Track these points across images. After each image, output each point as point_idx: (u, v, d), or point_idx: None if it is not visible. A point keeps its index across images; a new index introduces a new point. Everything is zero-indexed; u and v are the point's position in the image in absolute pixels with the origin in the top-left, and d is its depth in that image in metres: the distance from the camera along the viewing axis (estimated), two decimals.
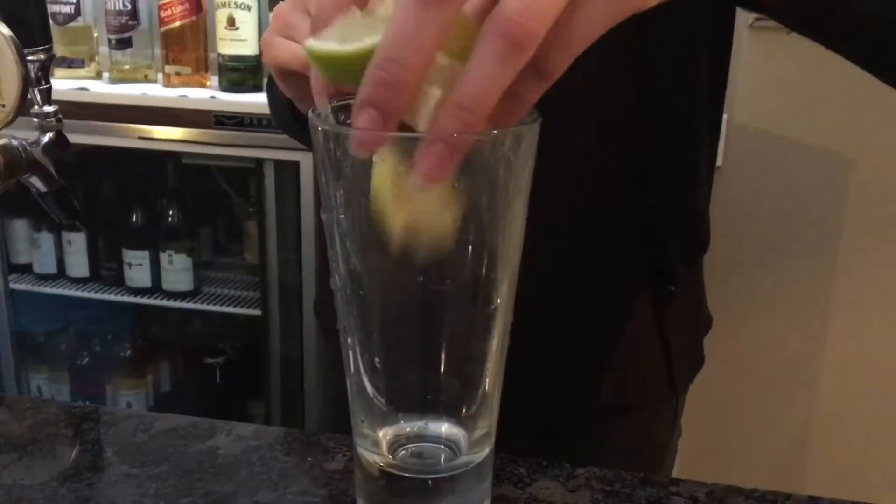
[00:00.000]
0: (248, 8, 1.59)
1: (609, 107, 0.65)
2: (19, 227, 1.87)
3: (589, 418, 0.72)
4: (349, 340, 0.39)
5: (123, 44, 1.70)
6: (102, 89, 1.67)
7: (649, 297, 0.71)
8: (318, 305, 0.92)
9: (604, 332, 0.70)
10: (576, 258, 0.67)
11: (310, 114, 0.36)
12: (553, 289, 0.66)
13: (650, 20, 0.47)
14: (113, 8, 1.69)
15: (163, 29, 1.66)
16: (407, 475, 0.39)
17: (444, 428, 0.41)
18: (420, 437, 0.41)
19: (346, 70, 0.34)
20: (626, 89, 0.64)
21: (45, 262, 1.87)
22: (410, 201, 0.35)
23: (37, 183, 0.75)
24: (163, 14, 1.65)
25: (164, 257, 1.79)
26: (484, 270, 0.38)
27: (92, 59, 1.76)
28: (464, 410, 0.40)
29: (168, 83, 1.66)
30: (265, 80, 0.83)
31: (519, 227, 0.38)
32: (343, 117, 0.39)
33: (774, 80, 1.55)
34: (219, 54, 1.63)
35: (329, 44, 0.34)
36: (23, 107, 0.70)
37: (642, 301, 0.71)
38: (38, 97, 0.75)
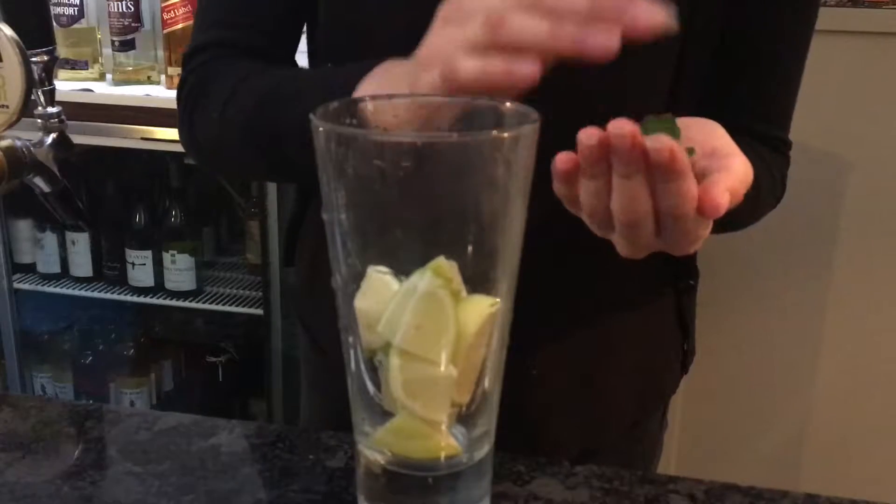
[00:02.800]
0: None
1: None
2: (23, 227, 1.88)
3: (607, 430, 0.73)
4: (350, 339, 0.39)
5: (126, 45, 1.71)
6: (106, 90, 1.68)
7: (673, 297, 0.73)
8: (304, 318, 0.81)
9: (630, 338, 0.71)
10: (604, 262, 0.68)
11: (311, 115, 0.37)
12: (582, 289, 0.67)
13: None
14: (116, 10, 1.70)
15: (166, 31, 1.67)
16: (408, 472, 0.39)
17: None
18: None
19: None
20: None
21: (48, 261, 1.88)
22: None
23: (40, 183, 0.75)
24: (165, 16, 1.66)
25: (166, 257, 1.79)
26: (483, 270, 0.38)
27: (95, 60, 1.77)
28: (464, 409, 0.40)
29: (171, 84, 1.66)
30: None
31: (518, 227, 0.38)
32: (345, 119, 0.39)
33: None
34: None
35: None
36: (26, 108, 0.71)
37: (666, 302, 0.73)
38: (42, 98, 0.75)
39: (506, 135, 0.36)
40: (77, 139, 0.77)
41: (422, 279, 0.36)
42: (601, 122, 0.61)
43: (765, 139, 0.68)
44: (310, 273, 0.77)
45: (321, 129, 0.36)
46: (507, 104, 0.39)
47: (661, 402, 0.78)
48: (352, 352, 0.39)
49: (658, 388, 0.76)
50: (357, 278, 0.38)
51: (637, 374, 0.72)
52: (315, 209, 0.75)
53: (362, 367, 0.39)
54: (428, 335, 0.36)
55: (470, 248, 0.37)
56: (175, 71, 1.67)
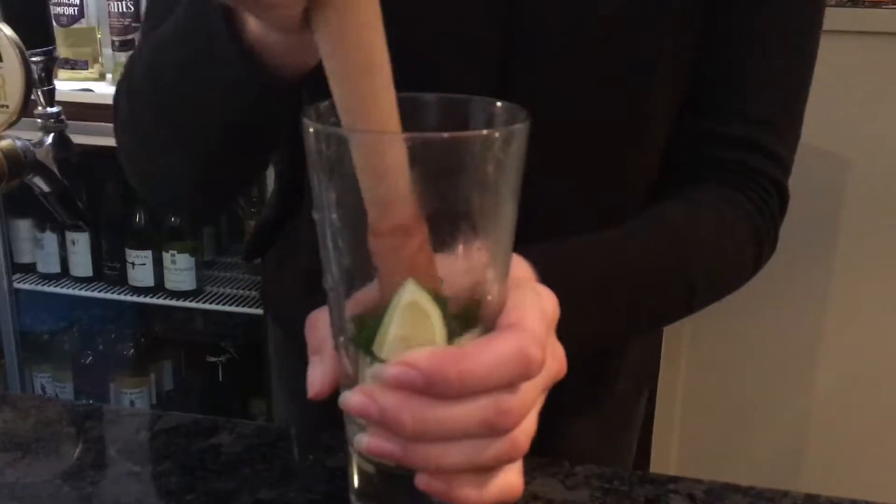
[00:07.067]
0: None
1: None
2: (23, 227, 1.88)
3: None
4: (341, 339, 0.39)
5: (126, 45, 1.71)
6: (106, 90, 1.68)
7: None
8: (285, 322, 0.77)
9: None
10: None
11: (302, 115, 0.37)
12: None
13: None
14: (116, 10, 1.70)
15: None
16: (400, 473, 0.39)
17: None
18: None
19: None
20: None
21: (48, 261, 1.88)
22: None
23: (40, 183, 0.75)
24: None
25: (166, 257, 1.79)
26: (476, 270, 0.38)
27: (95, 60, 1.77)
28: None
29: None
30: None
31: (510, 227, 0.38)
32: (335, 117, 0.39)
33: None
34: None
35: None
36: (26, 108, 0.71)
37: None
38: (42, 98, 0.75)
39: (497, 134, 0.36)
40: (77, 139, 0.77)
41: (403, 290, 0.36)
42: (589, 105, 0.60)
43: (752, 156, 0.61)
44: (307, 275, 0.77)
45: (311, 129, 0.36)
46: (498, 103, 0.39)
47: (653, 380, 0.80)
48: (343, 352, 0.39)
49: (652, 367, 0.78)
50: (349, 278, 0.38)
51: (639, 363, 0.74)
52: (298, 208, 0.74)
53: (357, 367, 0.39)
54: (414, 346, 0.36)
55: (461, 248, 0.37)
56: None
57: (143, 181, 0.62)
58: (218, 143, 0.51)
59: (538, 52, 0.58)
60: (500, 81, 0.58)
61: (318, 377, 0.40)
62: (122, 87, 0.58)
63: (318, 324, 0.41)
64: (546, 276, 0.44)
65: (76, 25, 1.74)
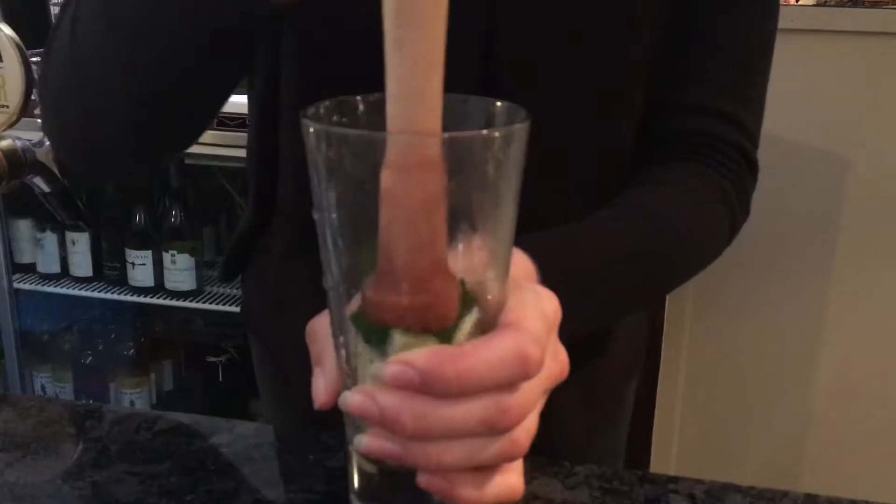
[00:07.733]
0: None
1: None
2: (23, 227, 1.88)
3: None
4: (341, 339, 0.39)
5: None
6: None
7: None
8: (266, 339, 0.80)
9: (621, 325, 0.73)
10: None
11: (302, 115, 0.37)
12: None
13: None
14: None
15: None
16: (404, 473, 0.39)
17: None
18: None
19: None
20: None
21: (48, 261, 1.88)
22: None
23: (40, 183, 0.75)
24: None
25: (166, 257, 1.79)
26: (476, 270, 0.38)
27: None
28: None
29: None
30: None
31: (509, 227, 0.38)
32: (336, 117, 0.39)
33: (770, 81, 1.55)
34: None
35: None
36: (26, 108, 0.71)
37: None
38: None
39: (497, 134, 0.36)
40: None
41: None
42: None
43: (718, 125, 0.62)
44: (276, 289, 0.77)
45: (312, 129, 0.36)
46: (498, 103, 0.39)
47: (641, 364, 0.80)
48: (343, 351, 0.39)
49: (640, 356, 0.79)
50: (349, 277, 0.38)
51: (626, 353, 0.75)
52: (280, 219, 0.74)
53: (356, 366, 0.39)
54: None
55: (461, 248, 0.37)
56: None
57: (77, 138, 0.57)
58: (178, 72, 0.49)
59: (525, 53, 0.59)
60: (485, 80, 0.58)
61: (321, 387, 0.40)
62: (65, 15, 0.53)
63: (318, 332, 0.41)
64: (545, 267, 0.46)
65: None
